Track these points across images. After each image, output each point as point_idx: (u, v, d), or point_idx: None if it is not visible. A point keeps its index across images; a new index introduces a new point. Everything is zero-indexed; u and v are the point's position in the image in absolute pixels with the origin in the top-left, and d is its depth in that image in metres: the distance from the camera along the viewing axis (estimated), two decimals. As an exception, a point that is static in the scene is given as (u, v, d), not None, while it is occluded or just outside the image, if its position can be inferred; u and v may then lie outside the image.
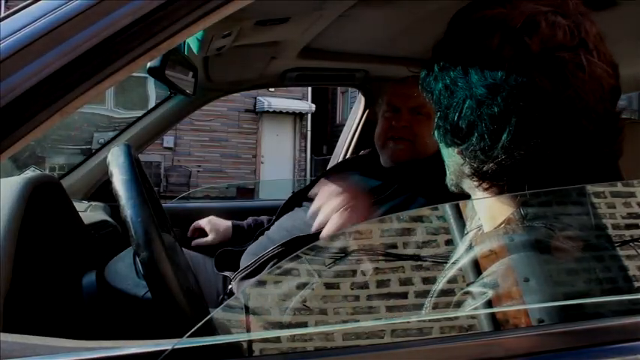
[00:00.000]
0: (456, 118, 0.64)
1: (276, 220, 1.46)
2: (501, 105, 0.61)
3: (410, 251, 0.64)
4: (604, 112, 0.62)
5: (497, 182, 0.66)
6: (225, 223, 1.61)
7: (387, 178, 1.35)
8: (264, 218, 1.66)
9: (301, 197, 1.49)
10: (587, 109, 0.61)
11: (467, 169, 0.68)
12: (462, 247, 0.68)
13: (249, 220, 1.66)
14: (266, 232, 1.42)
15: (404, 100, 1.40)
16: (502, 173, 0.64)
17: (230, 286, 1.36)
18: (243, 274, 1.29)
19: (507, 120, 0.61)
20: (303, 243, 0.96)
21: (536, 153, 0.62)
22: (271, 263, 1.24)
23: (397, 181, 1.31)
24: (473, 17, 0.65)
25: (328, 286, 0.59)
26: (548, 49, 0.60)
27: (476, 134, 0.63)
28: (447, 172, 0.75)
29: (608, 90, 0.62)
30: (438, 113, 0.68)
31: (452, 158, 0.71)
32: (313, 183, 1.53)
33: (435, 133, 0.71)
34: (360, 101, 2.11)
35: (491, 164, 0.64)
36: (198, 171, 11.53)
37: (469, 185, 0.71)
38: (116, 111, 9.94)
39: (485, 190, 0.68)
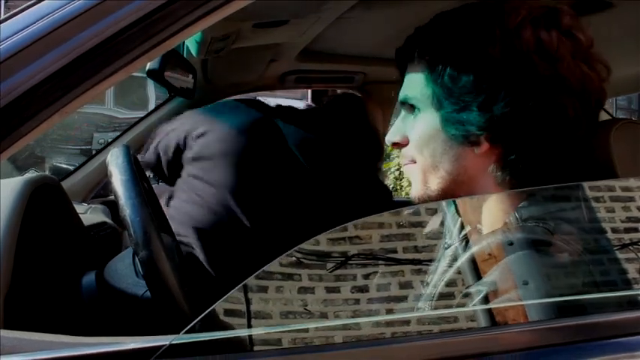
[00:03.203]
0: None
1: None
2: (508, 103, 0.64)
3: (403, 254, 0.64)
4: (588, 96, 0.65)
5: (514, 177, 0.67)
6: None
7: None
8: None
9: None
10: (571, 91, 0.64)
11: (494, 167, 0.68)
12: (455, 250, 0.68)
13: None
14: None
15: None
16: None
17: None
18: None
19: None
20: None
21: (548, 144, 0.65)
22: None
23: None
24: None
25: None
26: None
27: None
28: (436, 182, 0.72)
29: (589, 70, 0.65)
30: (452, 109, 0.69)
31: (463, 162, 0.70)
32: None
33: (450, 130, 0.70)
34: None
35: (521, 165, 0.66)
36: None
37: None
38: (116, 110, 9.88)
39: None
